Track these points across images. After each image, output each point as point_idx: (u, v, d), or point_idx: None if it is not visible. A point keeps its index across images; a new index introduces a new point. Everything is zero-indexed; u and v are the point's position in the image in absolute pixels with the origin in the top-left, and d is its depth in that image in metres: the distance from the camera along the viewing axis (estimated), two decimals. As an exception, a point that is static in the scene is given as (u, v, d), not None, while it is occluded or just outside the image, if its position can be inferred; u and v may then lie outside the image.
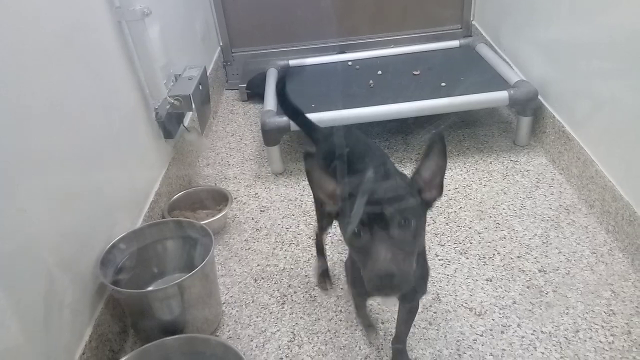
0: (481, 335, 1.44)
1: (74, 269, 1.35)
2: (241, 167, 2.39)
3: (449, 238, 1.82)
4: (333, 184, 0.93)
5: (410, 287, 0.83)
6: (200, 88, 2.14)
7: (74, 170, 1.39)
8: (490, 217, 1.91)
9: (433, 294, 1.59)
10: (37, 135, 1.23)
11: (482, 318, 1.50)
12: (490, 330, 1.46)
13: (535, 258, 1.70)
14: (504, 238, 1.80)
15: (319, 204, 1.01)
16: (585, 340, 1.40)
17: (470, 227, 1.87)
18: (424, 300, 1.56)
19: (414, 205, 0.88)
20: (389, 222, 0.82)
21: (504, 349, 1.40)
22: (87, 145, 1.46)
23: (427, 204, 0.93)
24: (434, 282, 1.63)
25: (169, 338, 1.36)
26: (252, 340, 1.50)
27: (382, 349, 1.43)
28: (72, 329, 1.31)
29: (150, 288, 1.60)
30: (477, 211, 1.95)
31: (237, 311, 1.61)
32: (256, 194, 2.17)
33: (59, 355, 1.25)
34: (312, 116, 2.16)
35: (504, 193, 2.04)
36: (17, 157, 1.14)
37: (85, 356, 1.31)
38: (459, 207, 1.98)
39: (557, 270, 1.64)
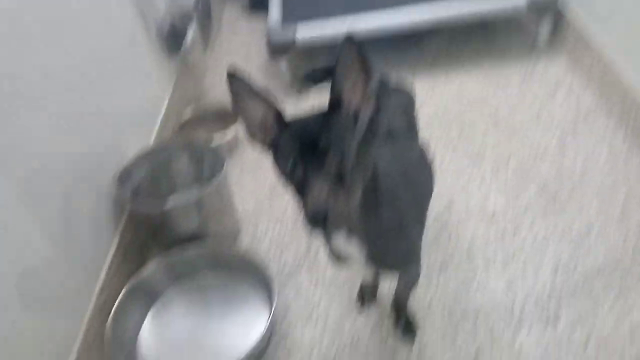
0: (493, 240, 1.47)
1: (93, 187, 1.38)
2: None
3: (463, 148, 1.81)
4: (263, 108, 0.79)
5: (350, 224, 0.78)
6: (202, 1, 2.05)
7: (77, 91, 1.37)
8: (506, 125, 1.88)
9: (446, 202, 1.60)
10: (36, 57, 1.21)
11: (494, 223, 1.52)
12: (502, 234, 1.48)
13: (550, 163, 1.69)
14: (519, 146, 1.78)
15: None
16: (598, 239, 1.42)
17: (484, 137, 1.84)
18: (435, 210, 1.58)
19: (347, 131, 0.76)
20: (320, 158, 0.72)
21: (515, 251, 1.43)
22: (89, 66, 1.44)
23: (364, 122, 0.79)
24: (447, 191, 1.64)
25: (190, 250, 1.42)
26: (270, 249, 1.55)
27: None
28: (97, 243, 1.37)
29: (168, 204, 1.63)
30: (492, 120, 1.91)
31: (253, 224, 1.65)
32: (266, 111, 2.14)
33: (88, 267, 1.31)
34: (321, 23, 2.10)
35: (520, 101, 1.98)
36: (17, 77, 1.13)
37: (112, 268, 1.38)
38: (473, 116, 1.94)
39: (572, 173, 1.63)
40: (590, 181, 1.60)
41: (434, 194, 1.64)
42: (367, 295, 1.36)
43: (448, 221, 1.54)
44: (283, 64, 2.18)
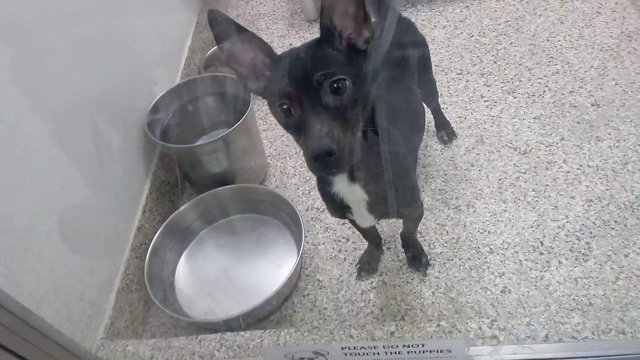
0: (524, 173, 1.44)
1: (124, 127, 1.41)
2: (272, 15, 2.26)
3: (496, 77, 1.73)
4: (252, 48, 0.75)
5: (355, 159, 0.71)
6: None
7: (103, 22, 1.36)
8: (544, 50, 1.77)
9: (476, 136, 1.56)
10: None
11: (526, 156, 1.48)
12: (535, 167, 1.45)
13: (589, 92, 1.60)
14: (557, 73, 1.69)
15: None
16: (634, 172, 1.37)
17: (520, 64, 1.75)
18: (466, 143, 1.55)
19: (342, 60, 0.71)
20: (317, 91, 0.67)
21: (547, 185, 1.40)
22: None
23: (359, 51, 0.73)
24: (478, 125, 1.59)
25: (221, 188, 1.45)
26: (298, 188, 1.57)
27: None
28: (131, 183, 1.41)
29: (195, 143, 1.65)
30: (529, 45, 1.80)
31: (281, 162, 1.66)
32: (290, 44, 2.08)
33: (124, 207, 1.37)
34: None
35: (561, 23, 1.85)
36: (47, 20, 1.13)
37: (147, 207, 1.43)
38: (509, 42, 1.84)
39: (611, 103, 1.55)
40: (629, 112, 1.52)
41: (465, 125, 1.61)
42: (366, 266, 1.31)
43: (479, 154, 1.51)
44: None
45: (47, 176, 1.08)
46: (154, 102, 1.50)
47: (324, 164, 0.66)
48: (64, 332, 1.03)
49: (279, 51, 0.77)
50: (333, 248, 1.39)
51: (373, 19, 0.77)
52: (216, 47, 1.98)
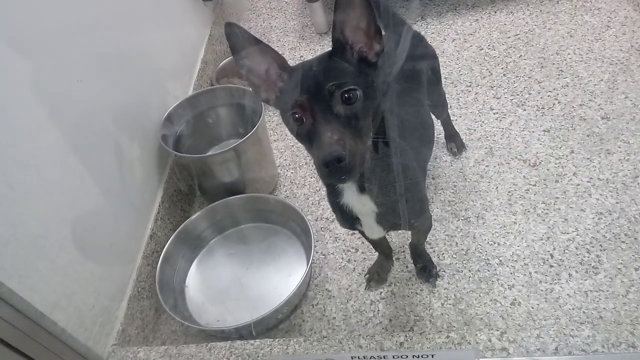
0: (534, 185, 1.44)
1: (139, 137, 1.43)
2: (284, 28, 2.30)
3: (505, 90, 1.74)
4: (266, 60, 0.77)
5: (365, 168, 0.73)
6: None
7: (119, 35, 1.40)
8: (553, 64, 1.78)
9: (486, 148, 1.57)
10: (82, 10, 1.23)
11: (536, 169, 1.48)
12: (544, 180, 1.45)
13: (599, 105, 1.60)
14: (567, 86, 1.69)
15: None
16: (645, 187, 1.37)
17: (530, 77, 1.76)
18: (476, 155, 1.55)
19: (354, 71, 0.73)
20: (328, 101, 0.69)
21: (557, 197, 1.40)
22: (126, 11, 1.45)
23: (370, 63, 0.75)
24: (487, 137, 1.60)
25: (232, 198, 1.47)
26: (308, 198, 1.58)
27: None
28: (145, 191, 1.44)
29: (207, 153, 1.67)
30: (538, 58, 1.81)
31: (292, 173, 1.68)
32: (301, 56, 2.11)
33: (137, 215, 1.39)
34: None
35: (570, 36, 1.86)
36: (65, 31, 1.15)
37: (160, 215, 1.45)
38: (518, 55, 1.85)
39: (621, 116, 1.55)
40: (639, 125, 1.52)
41: (474, 137, 1.62)
42: (375, 276, 1.31)
43: (489, 166, 1.52)
44: (318, 5, 2.11)
45: (62, 184, 1.10)
46: (167, 112, 1.52)
47: (334, 170, 0.67)
48: (76, 337, 1.04)
49: (290, 63, 0.79)
50: (342, 258, 1.40)
51: (384, 32, 0.79)
52: (228, 59, 2.02)
